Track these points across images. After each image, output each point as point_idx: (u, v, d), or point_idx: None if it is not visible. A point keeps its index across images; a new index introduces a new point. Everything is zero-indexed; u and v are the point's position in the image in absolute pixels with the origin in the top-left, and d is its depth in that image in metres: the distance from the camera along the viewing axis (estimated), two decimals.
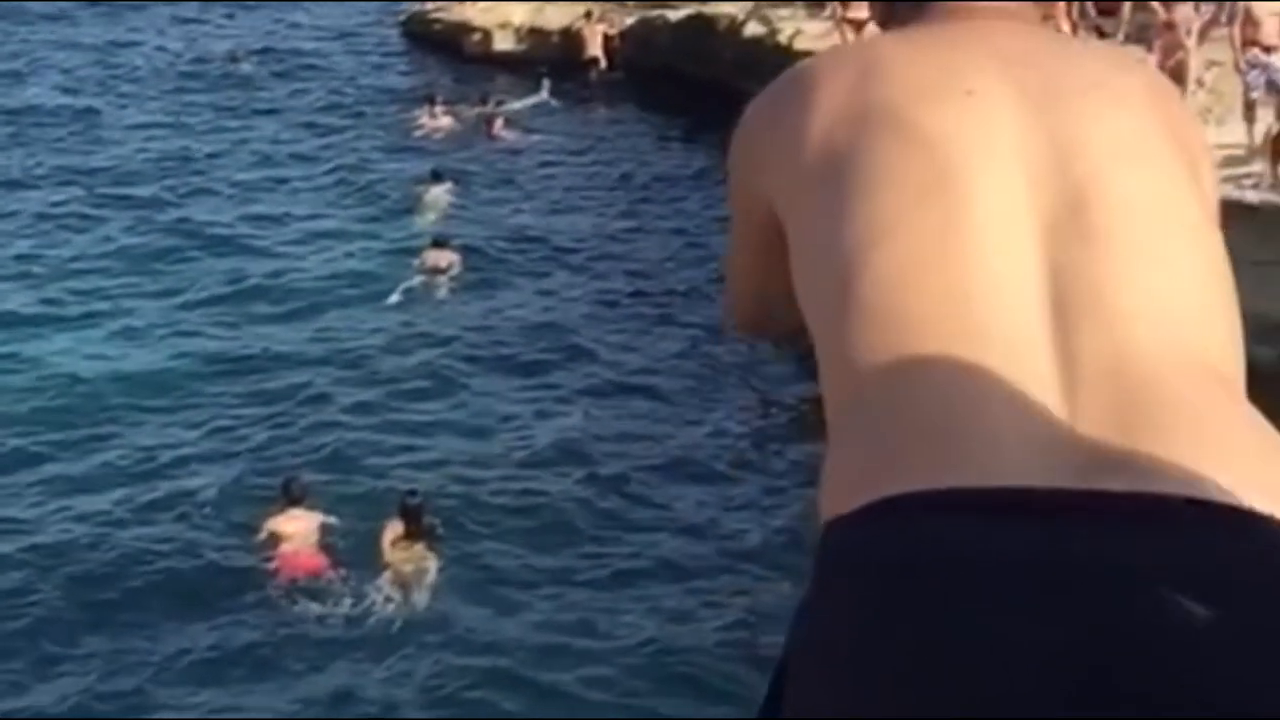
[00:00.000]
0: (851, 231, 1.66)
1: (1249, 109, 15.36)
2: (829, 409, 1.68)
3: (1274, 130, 14.76)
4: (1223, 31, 16.89)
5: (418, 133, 26.46)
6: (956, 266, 1.59)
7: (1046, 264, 1.58)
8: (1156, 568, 1.38)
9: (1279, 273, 13.04)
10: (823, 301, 1.69)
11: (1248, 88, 15.38)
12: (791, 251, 1.78)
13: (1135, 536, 1.40)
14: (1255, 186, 13.96)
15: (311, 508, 13.75)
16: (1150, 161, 1.70)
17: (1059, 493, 1.43)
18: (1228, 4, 15.43)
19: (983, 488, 1.45)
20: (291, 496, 13.76)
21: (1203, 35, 17.05)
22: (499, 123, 26.38)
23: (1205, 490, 1.43)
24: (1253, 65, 15.42)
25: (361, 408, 16.48)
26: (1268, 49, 15.45)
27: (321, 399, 16.68)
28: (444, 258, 20.22)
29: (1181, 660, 1.34)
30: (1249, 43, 15.44)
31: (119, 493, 14.57)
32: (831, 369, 1.67)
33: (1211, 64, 16.85)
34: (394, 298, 19.40)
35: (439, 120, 26.67)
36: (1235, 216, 12.20)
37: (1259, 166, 14.54)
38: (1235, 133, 14.92)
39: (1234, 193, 13.34)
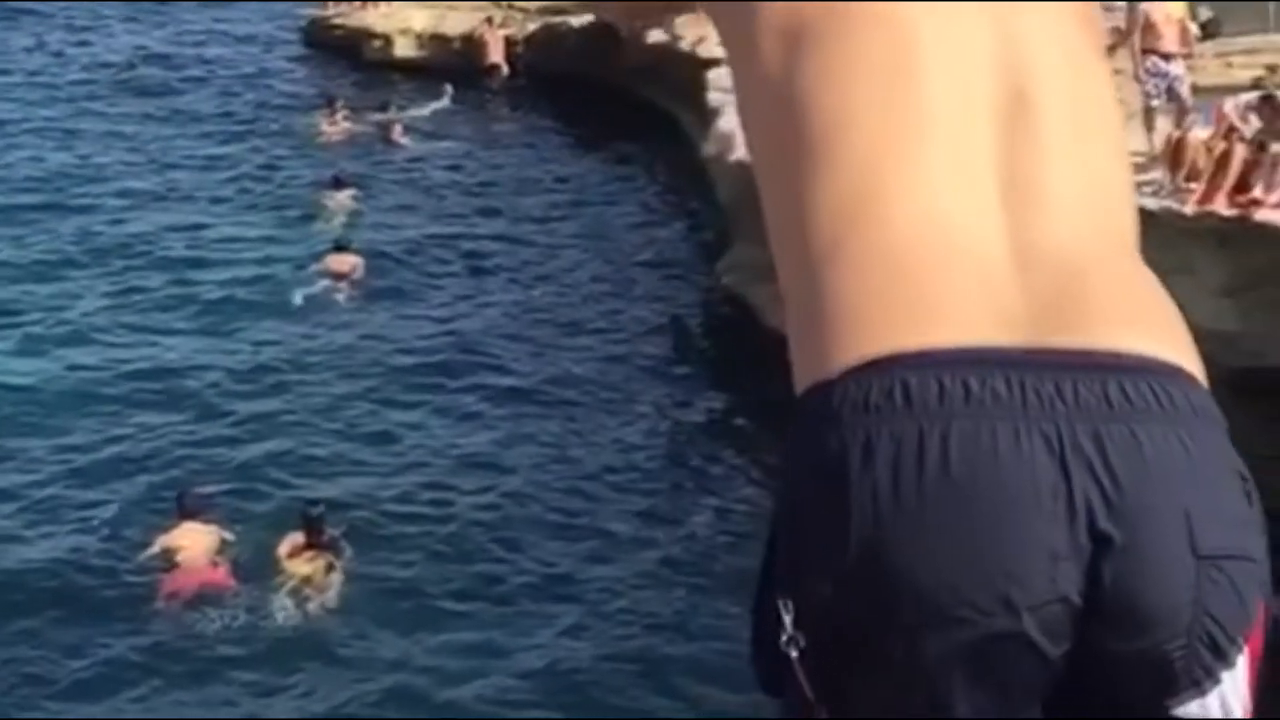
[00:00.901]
0: (827, 105, 1.84)
1: (1148, 116, 15.46)
2: (792, 279, 1.84)
3: (1173, 138, 14.86)
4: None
5: (318, 139, 26.25)
6: (923, 152, 1.80)
7: (998, 151, 1.82)
8: (1114, 405, 1.70)
9: (1180, 280, 13.11)
10: (786, 174, 1.85)
11: (1147, 96, 15.48)
12: (747, 96, 1.96)
13: (1089, 383, 1.70)
14: (1155, 194, 14.04)
15: (207, 521, 13.55)
16: (1084, 64, 1.96)
17: (1023, 349, 1.71)
18: (1127, 13, 15.53)
19: (958, 346, 1.70)
20: (186, 510, 13.56)
21: (1112, 50, 17.16)
22: (398, 129, 26.25)
23: (1136, 345, 1.75)
24: (1152, 74, 15.51)
25: (263, 419, 16.28)
26: (1166, 57, 15.55)
27: (222, 410, 16.46)
28: (346, 262, 20.06)
29: (1144, 468, 1.69)
30: (1148, 51, 15.54)
31: (12, 506, 14.32)
32: (793, 240, 1.83)
33: (1113, 72, 16.93)
34: (296, 301, 19.23)
35: (339, 126, 26.50)
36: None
37: (1158, 174, 14.64)
38: (1135, 140, 15.00)
39: (1136, 200, 13.40)
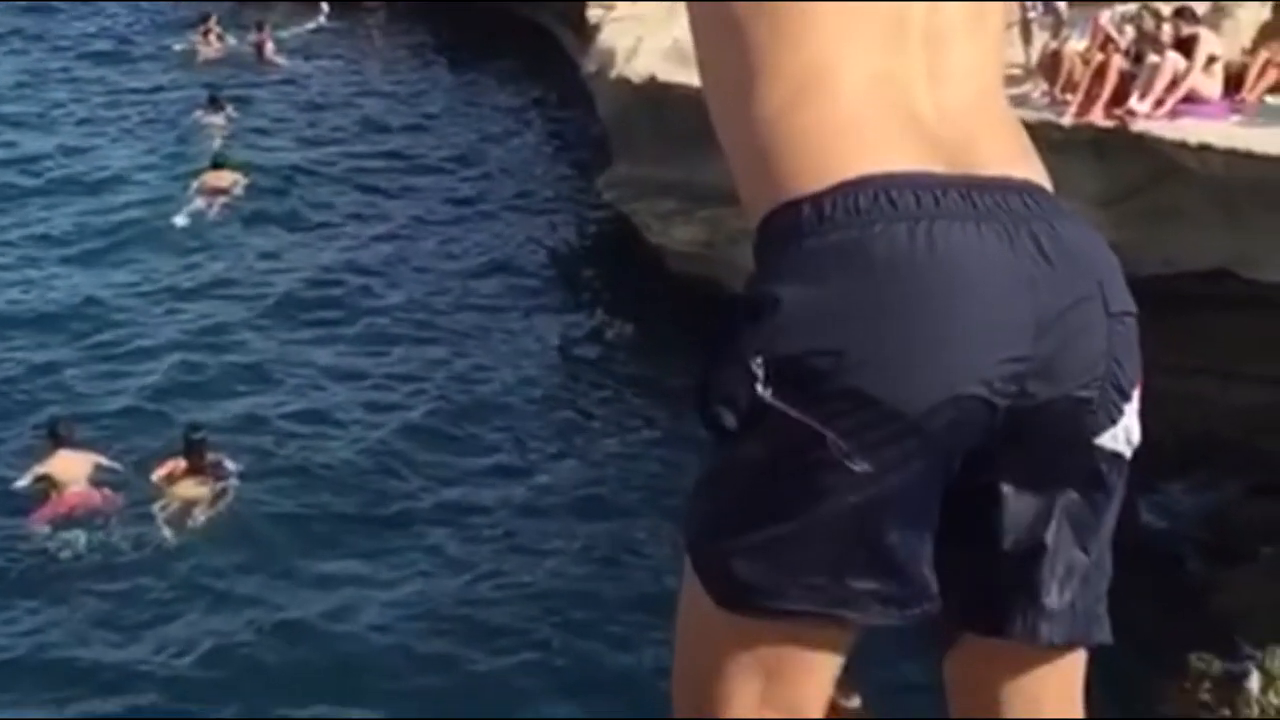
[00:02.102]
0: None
1: (1025, 29, 15.52)
2: (749, 130, 2.22)
3: (1050, 49, 14.93)
4: None
5: (194, 59, 25.84)
6: (870, 26, 2.23)
7: (922, 25, 2.26)
8: (1031, 209, 2.18)
9: (1057, 192, 13.22)
10: (745, 44, 2.23)
11: (1025, 8, 15.53)
12: None
13: (1011, 196, 2.17)
14: (1031, 106, 14.11)
15: (82, 448, 13.40)
16: None
17: (960, 174, 2.16)
18: None
19: (914, 170, 2.14)
20: (59, 439, 13.41)
21: None
22: (270, 47, 25.95)
23: (1026, 174, 2.24)
24: None
25: (146, 345, 16.16)
26: None
27: (104, 337, 16.28)
28: (225, 178, 19.89)
29: (1065, 252, 2.16)
30: None
31: None
32: (753, 97, 2.21)
33: None
34: (179, 222, 19.02)
35: (214, 45, 26.14)
36: None
37: (1035, 86, 14.71)
38: (1013, 53, 15.06)
39: (1014, 112, 13.47)
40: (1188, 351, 13.33)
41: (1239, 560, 12.08)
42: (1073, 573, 2.25)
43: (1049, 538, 2.23)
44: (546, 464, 14.09)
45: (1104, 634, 2.28)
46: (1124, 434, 2.23)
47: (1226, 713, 10.48)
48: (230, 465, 13.44)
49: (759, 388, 2.08)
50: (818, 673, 2.19)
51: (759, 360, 2.08)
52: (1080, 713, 2.37)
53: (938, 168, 2.15)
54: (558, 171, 21.29)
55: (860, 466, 2.06)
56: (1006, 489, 2.20)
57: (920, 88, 2.24)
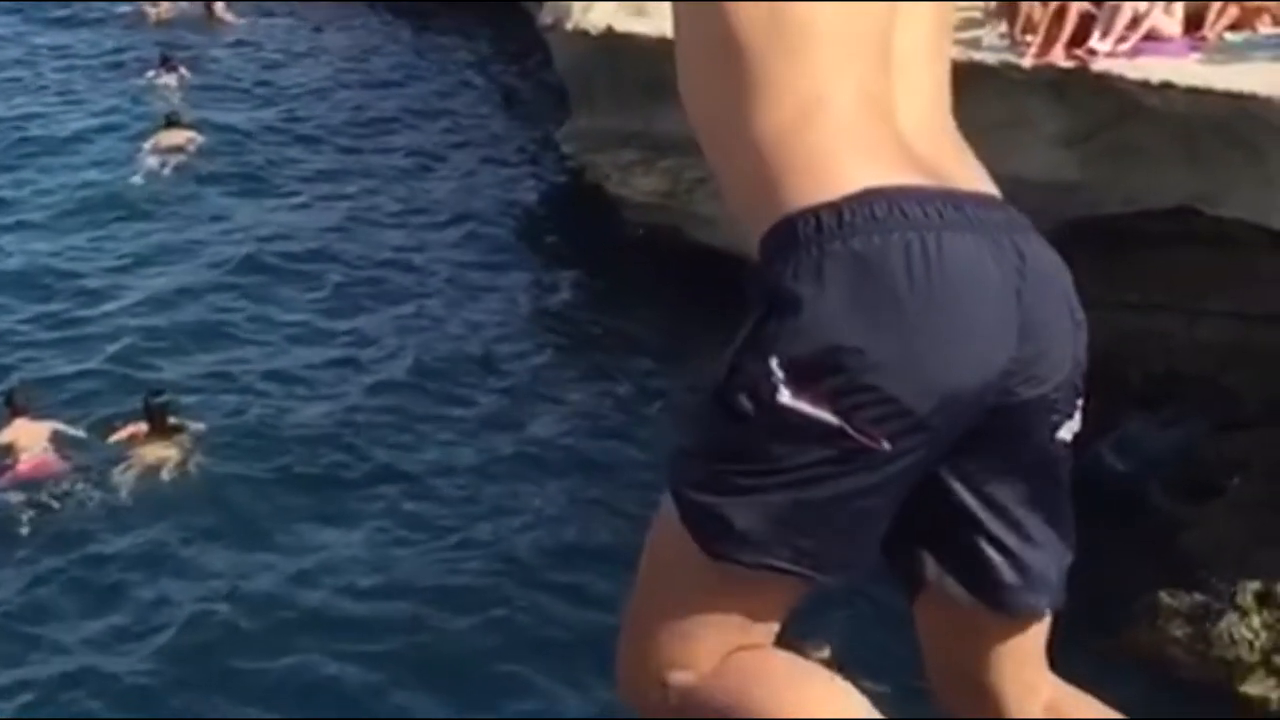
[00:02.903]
0: (790, 18, 2.38)
1: None
2: (749, 152, 2.38)
3: None
4: None
5: (146, 20, 25.62)
6: (859, 55, 2.41)
7: (896, 53, 2.45)
8: (1006, 223, 2.37)
9: (1019, 132, 13.21)
10: (743, 77, 2.39)
11: None
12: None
13: (989, 209, 2.37)
14: (991, 48, 14.07)
15: (40, 416, 13.33)
16: (937, 9, 2.59)
17: (943, 188, 2.34)
18: None
19: (910, 184, 2.32)
20: (16, 407, 13.35)
21: None
22: (220, 6, 25.75)
23: (988, 189, 2.44)
24: None
25: (105, 311, 16.00)
26: None
27: (64, 303, 16.15)
28: (180, 136, 19.76)
29: (1038, 264, 2.36)
30: None
31: None
32: (753, 124, 2.38)
33: None
34: (135, 181, 18.90)
35: (162, 6, 25.92)
36: (974, 78, 12.19)
37: (993, 28, 14.66)
38: None
39: (974, 55, 13.44)
40: (1152, 288, 13.37)
41: (1207, 496, 12.12)
42: (1038, 542, 2.50)
43: (1012, 514, 2.47)
44: (514, 421, 14.04)
45: (1061, 601, 2.54)
46: (1076, 426, 2.48)
47: (1200, 648, 10.53)
48: (194, 427, 13.36)
49: (780, 388, 2.25)
50: (775, 619, 2.41)
51: (781, 360, 2.25)
52: (1045, 666, 2.64)
53: (925, 182, 2.34)
54: (517, 125, 21.18)
55: (884, 449, 2.26)
56: (976, 474, 2.43)
57: (898, 108, 2.43)
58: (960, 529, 2.47)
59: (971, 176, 2.45)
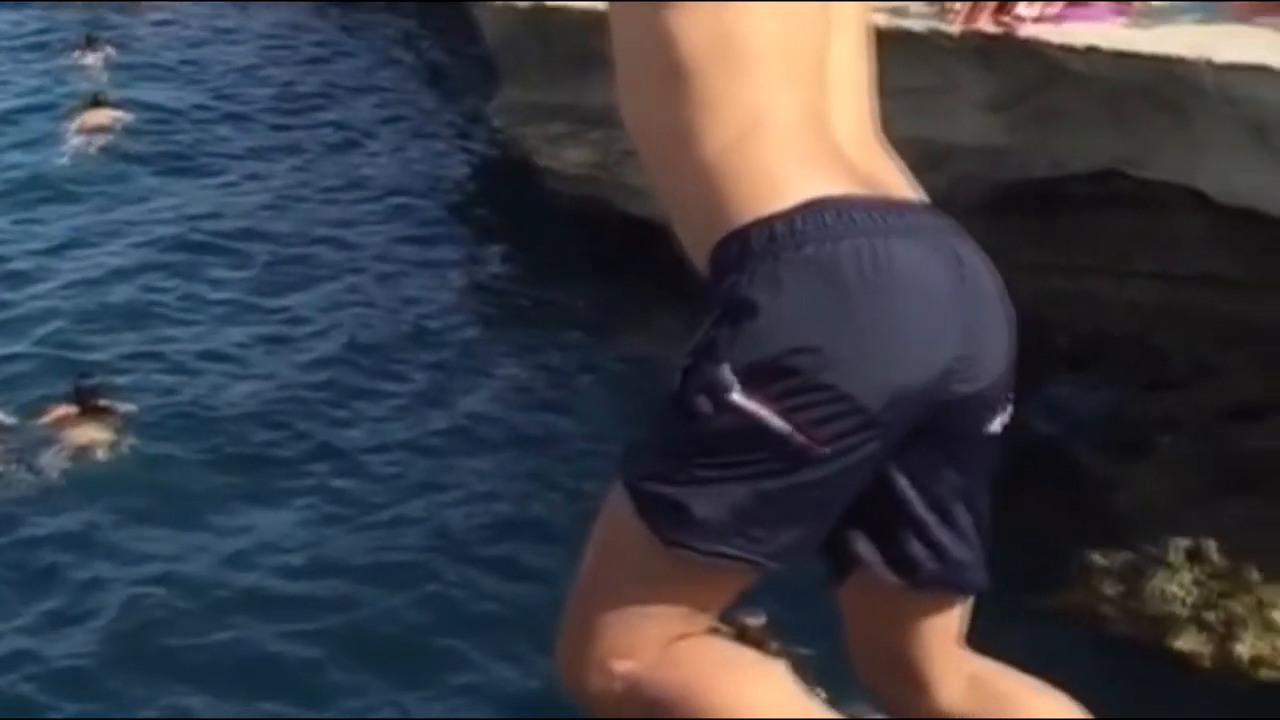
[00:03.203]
0: (736, 32, 2.51)
1: None
2: (697, 166, 2.50)
3: None
4: None
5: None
6: (798, 68, 2.54)
7: (831, 66, 2.59)
8: (943, 229, 2.53)
9: (948, 98, 13.26)
10: (685, 92, 2.51)
11: None
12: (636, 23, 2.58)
13: (926, 216, 2.55)
14: (919, 16, 14.10)
15: None
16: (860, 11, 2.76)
17: (882, 198, 2.51)
18: None
19: (854, 194, 2.47)
20: None
21: None
22: None
23: (917, 196, 2.61)
24: None
25: (31, 296, 15.83)
26: None
27: None
28: (105, 115, 19.60)
29: (975, 268, 2.53)
30: None
31: None
32: (698, 139, 2.50)
33: None
34: (60, 162, 18.69)
35: None
36: (904, 45, 12.22)
37: None
38: None
39: (903, 23, 13.47)
40: (1079, 251, 13.45)
41: (1137, 456, 12.23)
42: (965, 530, 2.67)
43: (945, 504, 2.62)
44: (445, 395, 14.02)
45: (986, 581, 2.74)
46: (1006, 420, 2.65)
47: (1132, 605, 10.63)
48: (125, 409, 13.28)
49: (735, 391, 2.38)
50: (719, 607, 2.56)
51: (736, 365, 2.39)
52: (964, 642, 2.82)
53: (865, 191, 2.50)
54: (445, 100, 21.09)
55: (823, 453, 2.40)
56: (915, 466, 2.58)
57: (834, 121, 2.57)
58: (894, 515, 2.61)
59: (903, 184, 2.61)
